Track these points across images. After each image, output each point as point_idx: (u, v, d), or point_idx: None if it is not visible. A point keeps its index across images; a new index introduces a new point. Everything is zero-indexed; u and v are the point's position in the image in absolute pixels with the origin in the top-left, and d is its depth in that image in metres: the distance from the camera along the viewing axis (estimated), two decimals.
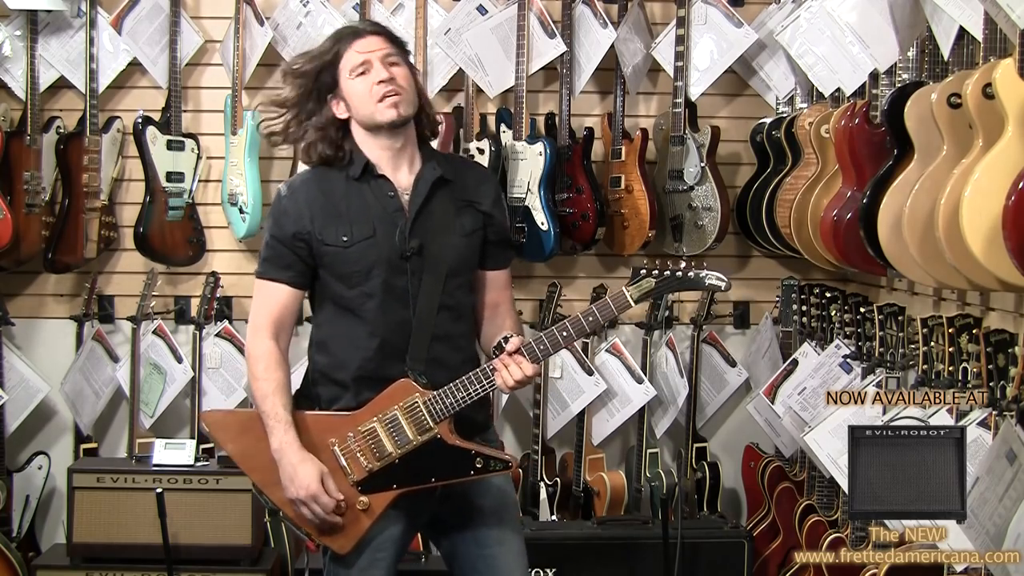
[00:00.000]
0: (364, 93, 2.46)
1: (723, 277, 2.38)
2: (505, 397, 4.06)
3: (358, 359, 2.48)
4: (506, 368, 2.39)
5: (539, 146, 3.92)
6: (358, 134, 2.51)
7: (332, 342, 2.53)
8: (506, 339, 2.48)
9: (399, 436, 2.43)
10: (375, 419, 2.44)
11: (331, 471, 2.45)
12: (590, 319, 2.39)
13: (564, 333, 2.40)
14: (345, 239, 2.46)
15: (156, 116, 4.08)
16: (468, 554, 2.58)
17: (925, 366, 2.91)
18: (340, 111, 2.50)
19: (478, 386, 2.42)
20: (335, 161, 2.52)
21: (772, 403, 3.67)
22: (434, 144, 2.70)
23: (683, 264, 2.40)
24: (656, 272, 2.39)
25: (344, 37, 2.51)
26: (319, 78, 2.49)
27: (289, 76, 2.54)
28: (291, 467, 2.42)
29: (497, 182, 2.83)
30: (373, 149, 2.51)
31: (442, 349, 2.49)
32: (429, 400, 2.42)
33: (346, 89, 2.48)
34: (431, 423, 2.42)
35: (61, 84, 4.10)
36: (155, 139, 4.03)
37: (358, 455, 2.45)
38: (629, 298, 2.39)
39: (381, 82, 2.44)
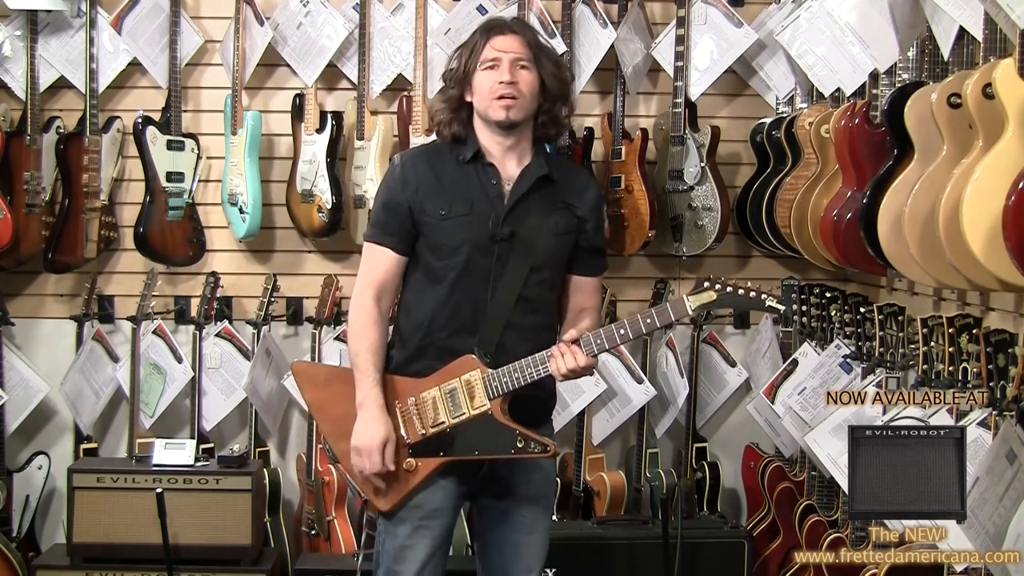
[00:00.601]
0: (485, 87, 2.59)
1: (784, 302, 2.50)
2: None
3: (430, 325, 2.61)
4: (561, 356, 2.49)
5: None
6: (477, 121, 2.66)
7: (414, 307, 2.66)
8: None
9: (455, 406, 2.57)
10: (436, 388, 2.58)
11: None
12: (647, 321, 2.48)
13: (621, 331, 2.49)
14: (443, 212, 2.59)
15: (156, 116, 4.08)
16: (497, 535, 2.72)
17: (925, 366, 2.91)
18: (468, 96, 2.64)
19: (532, 370, 2.53)
20: (461, 140, 2.66)
21: (772, 403, 3.67)
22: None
23: (748, 283, 2.48)
24: (719, 286, 2.46)
25: (489, 29, 2.63)
26: (467, 63, 2.61)
27: (453, 55, 2.69)
28: (365, 420, 2.57)
29: (600, 192, 2.87)
30: (486, 138, 2.64)
31: (512, 337, 2.60)
32: (488, 377, 2.55)
33: (475, 78, 2.61)
34: (486, 399, 2.54)
35: (61, 84, 4.10)
36: (155, 139, 4.03)
37: (415, 419, 2.60)
38: (688, 306, 2.48)
39: (502, 83, 2.56)
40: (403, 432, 2.59)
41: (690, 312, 2.47)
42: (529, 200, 2.62)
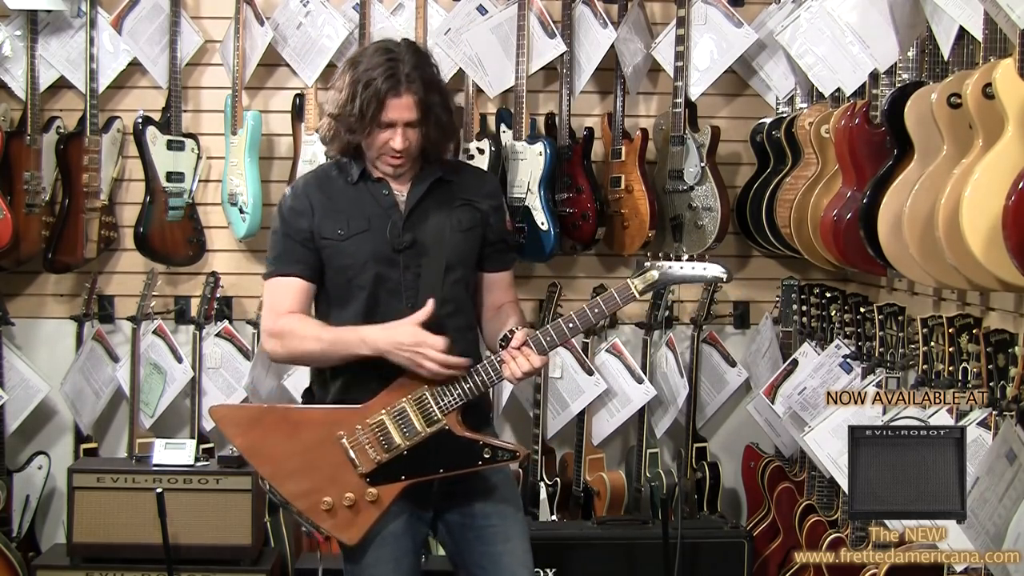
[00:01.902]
0: (376, 144, 2.54)
1: (725, 268, 2.44)
2: (505, 397, 4.06)
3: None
4: (514, 360, 2.44)
5: (539, 146, 3.93)
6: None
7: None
8: (512, 332, 2.50)
9: (407, 428, 2.47)
10: (383, 411, 2.48)
11: (339, 464, 2.48)
12: (595, 310, 2.44)
13: (570, 324, 2.45)
14: (341, 232, 2.55)
15: (156, 116, 4.08)
16: (472, 552, 2.61)
17: (925, 366, 2.91)
18: (360, 137, 2.57)
19: (486, 377, 2.47)
20: (345, 163, 2.62)
21: (772, 403, 3.67)
22: None
23: (685, 257, 2.44)
24: (659, 265, 2.43)
25: (387, 90, 2.48)
26: (366, 117, 2.49)
27: (351, 81, 2.52)
28: (387, 339, 2.45)
29: (498, 184, 2.85)
30: (373, 167, 2.62)
31: (459, 339, 2.53)
32: (437, 392, 2.47)
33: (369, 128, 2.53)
34: (439, 414, 2.47)
35: (61, 84, 4.10)
36: (155, 139, 4.03)
37: (367, 447, 2.48)
38: (634, 289, 2.43)
39: (392, 148, 2.52)
40: (357, 462, 2.47)
41: (636, 295, 2.43)
42: (427, 204, 2.58)
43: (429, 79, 2.55)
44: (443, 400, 2.47)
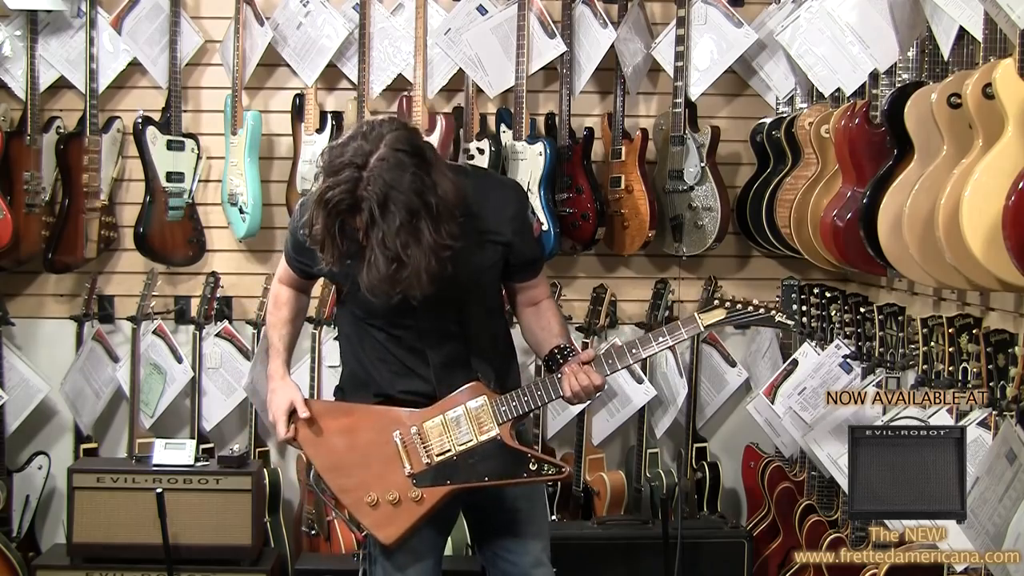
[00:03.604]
0: None
1: (793, 317, 2.55)
2: None
3: (385, 370, 2.58)
4: (575, 376, 2.48)
5: (539, 146, 3.92)
6: None
7: (353, 355, 2.64)
8: (561, 348, 2.57)
9: (460, 433, 2.51)
10: (440, 416, 2.52)
11: (390, 462, 2.52)
12: (660, 340, 2.50)
13: (634, 351, 2.50)
14: (351, 279, 2.43)
15: (156, 116, 4.08)
16: (498, 533, 2.66)
17: (925, 366, 2.91)
18: None
19: (544, 393, 2.51)
20: None
21: (772, 403, 3.66)
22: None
23: (755, 301, 2.52)
24: (728, 304, 2.50)
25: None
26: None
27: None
28: (270, 392, 2.65)
29: (521, 197, 2.65)
30: None
31: (494, 358, 2.60)
32: (496, 402, 2.51)
33: None
34: (494, 424, 2.50)
35: (61, 84, 4.10)
36: (155, 139, 4.03)
37: (419, 448, 2.52)
38: (700, 324, 2.50)
39: None
40: (406, 462, 2.52)
41: (702, 330, 2.51)
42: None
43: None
44: (500, 410, 2.50)
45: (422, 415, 2.54)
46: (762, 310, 2.50)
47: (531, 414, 2.56)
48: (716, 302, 2.50)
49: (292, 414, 2.60)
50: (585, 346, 4.02)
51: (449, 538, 2.81)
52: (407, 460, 2.52)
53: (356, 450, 2.57)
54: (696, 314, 2.50)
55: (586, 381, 2.47)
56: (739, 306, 2.50)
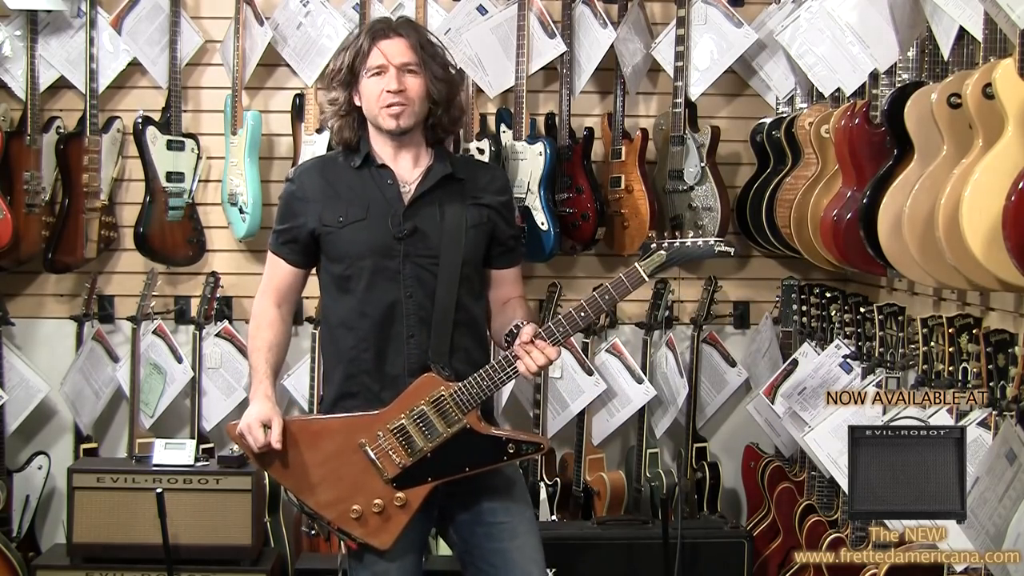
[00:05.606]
0: (373, 95, 2.57)
1: (732, 243, 2.47)
2: (505, 397, 4.06)
3: (352, 340, 2.56)
4: (528, 355, 2.43)
5: (539, 146, 3.93)
6: (369, 126, 2.64)
7: (333, 329, 2.63)
8: (517, 327, 2.51)
9: (429, 430, 2.49)
10: (403, 416, 2.49)
11: (364, 471, 2.50)
12: (606, 297, 2.45)
13: (582, 313, 2.45)
14: (340, 219, 2.57)
15: (156, 116, 4.08)
16: (482, 549, 2.60)
17: (925, 366, 2.91)
18: (357, 100, 2.62)
19: (502, 373, 2.48)
20: (353, 146, 2.65)
21: (772, 403, 3.67)
22: None
23: (690, 234, 2.46)
24: (666, 245, 2.43)
25: (375, 32, 2.59)
26: (352, 65, 2.58)
27: (338, 52, 2.66)
28: (251, 406, 2.58)
29: (507, 180, 2.84)
30: (378, 142, 2.64)
31: (461, 339, 2.56)
32: (455, 392, 2.48)
33: (362, 84, 2.59)
34: (459, 415, 2.48)
35: (61, 84, 4.10)
36: (155, 139, 4.03)
37: (390, 453, 2.50)
38: (643, 273, 2.44)
39: (390, 91, 2.54)
40: (381, 470, 2.49)
41: (645, 278, 2.43)
42: (433, 197, 2.58)
43: (425, 39, 2.60)
44: (462, 400, 2.47)
45: (383, 417, 2.50)
46: (700, 242, 2.44)
47: (492, 395, 2.52)
48: (653, 246, 2.43)
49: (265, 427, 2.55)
50: (585, 347, 4.02)
51: (445, 539, 2.78)
52: (382, 466, 2.49)
53: (324, 466, 2.53)
54: (637, 264, 2.43)
55: (541, 358, 2.41)
56: (676, 244, 2.43)
